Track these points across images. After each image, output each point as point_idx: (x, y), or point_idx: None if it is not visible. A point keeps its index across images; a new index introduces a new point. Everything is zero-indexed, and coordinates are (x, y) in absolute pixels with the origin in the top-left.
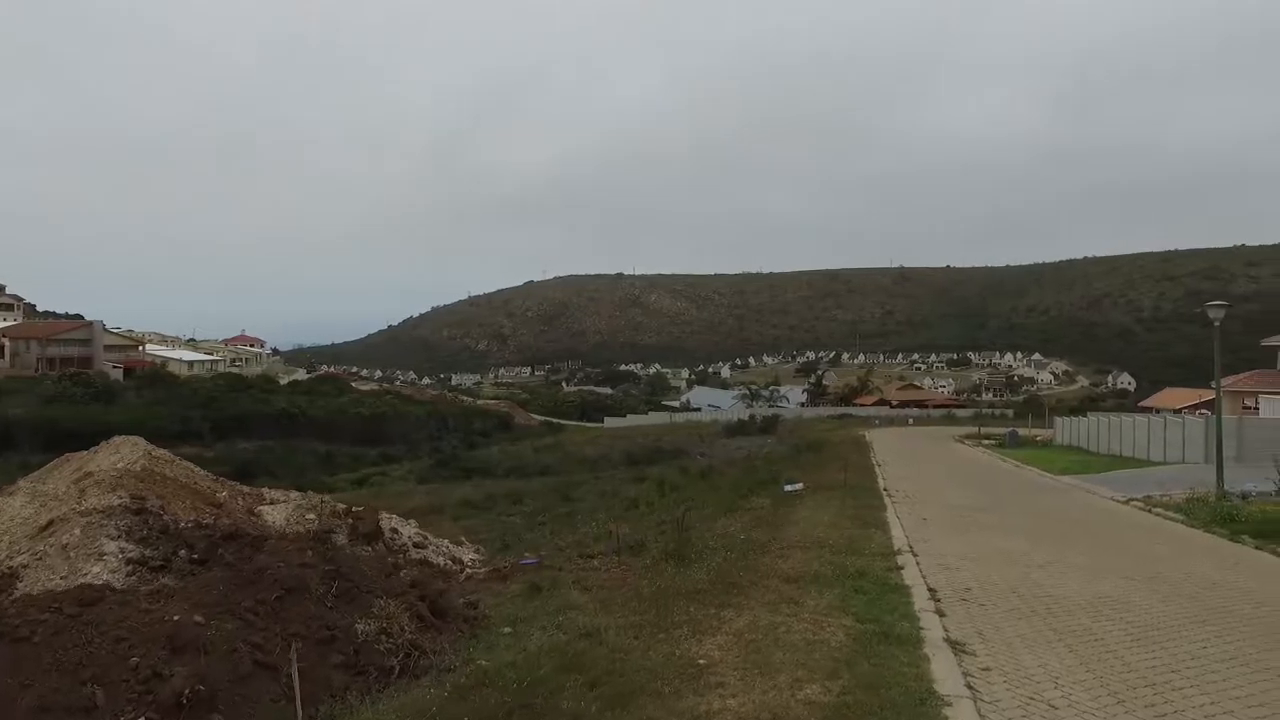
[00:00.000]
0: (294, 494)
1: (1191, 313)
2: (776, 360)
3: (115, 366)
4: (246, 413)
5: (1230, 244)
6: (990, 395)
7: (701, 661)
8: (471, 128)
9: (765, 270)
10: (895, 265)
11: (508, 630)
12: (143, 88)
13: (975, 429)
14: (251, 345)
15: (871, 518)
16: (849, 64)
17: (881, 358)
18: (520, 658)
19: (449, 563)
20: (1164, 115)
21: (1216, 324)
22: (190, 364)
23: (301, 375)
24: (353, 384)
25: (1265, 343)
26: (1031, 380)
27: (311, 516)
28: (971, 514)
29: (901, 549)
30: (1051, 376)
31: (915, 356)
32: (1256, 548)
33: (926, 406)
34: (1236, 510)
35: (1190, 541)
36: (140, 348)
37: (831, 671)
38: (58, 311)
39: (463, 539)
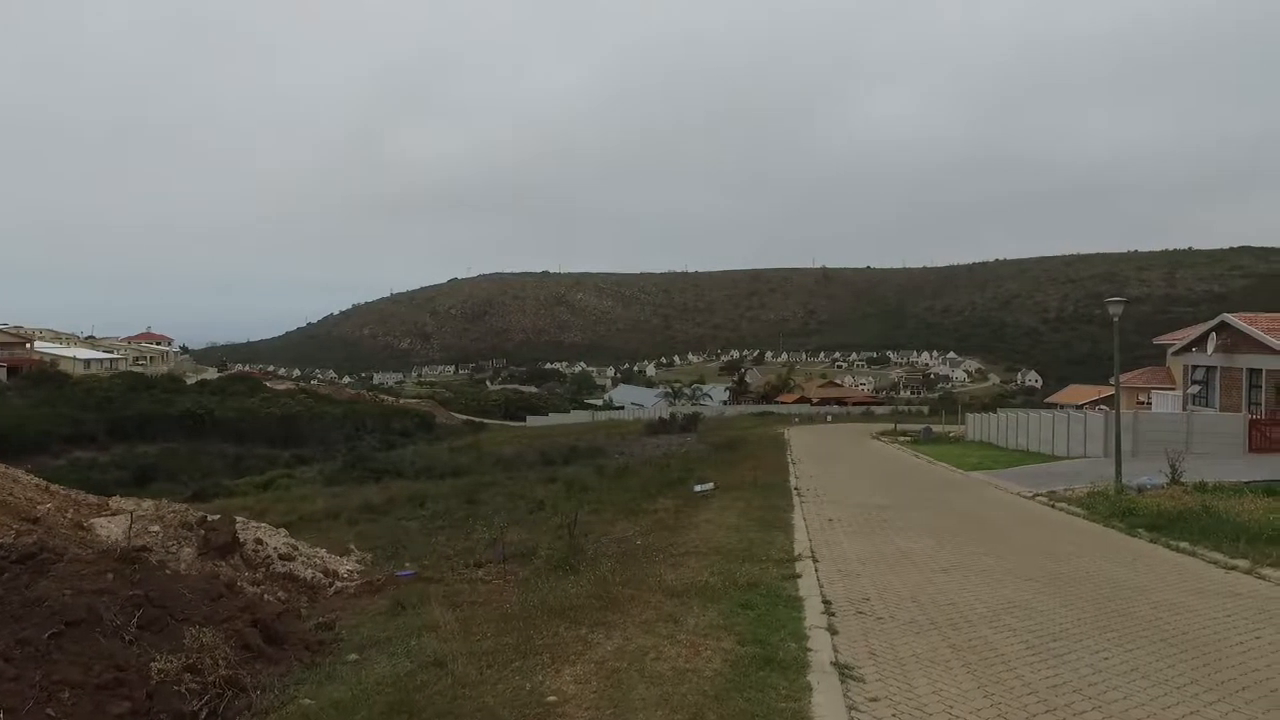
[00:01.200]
0: (146, 503)
1: (1091, 314)
2: (701, 359)
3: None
4: (147, 414)
5: (1125, 250)
6: (908, 392)
7: (551, 699)
8: (392, 117)
9: (691, 270)
10: (818, 266)
11: (353, 658)
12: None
13: (892, 426)
14: (158, 343)
15: (777, 519)
16: (777, 64)
17: (804, 356)
18: (351, 694)
19: (319, 576)
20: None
21: (1116, 319)
22: (87, 363)
23: (212, 374)
24: (267, 383)
25: (1158, 340)
26: (946, 378)
27: (156, 529)
28: (879, 512)
29: (802, 554)
30: (965, 374)
31: (837, 355)
32: (1151, 541)
33: (846, 404)
34: (1134, 504)
35: (1091, 537)
36: (28, 345)
37: (696, 712)
38: None
39: (352, 547)
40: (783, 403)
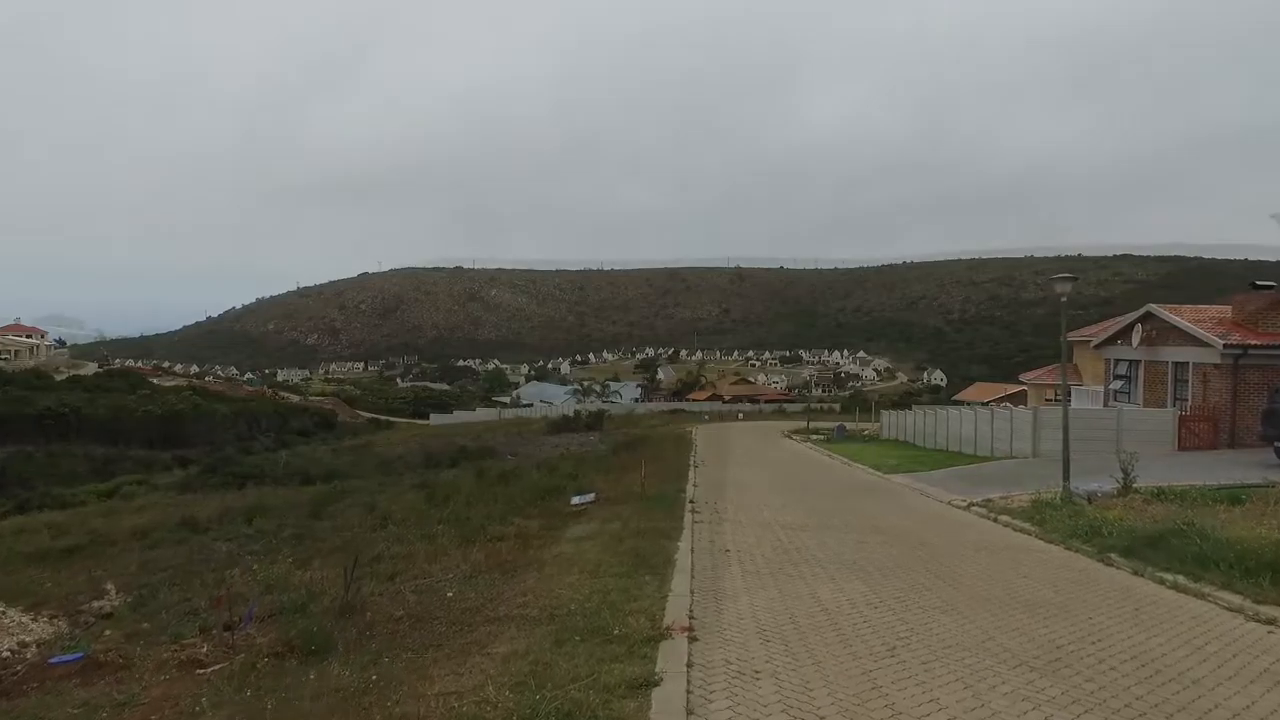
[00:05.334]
0: None
1: (992, 315)
2: (617, 356)
3: None
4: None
5: (1022, 254)
6: (820, 390)
7: None
8: (303, 94)
9: (607, 267)
10: (733, 265)
11: None
12: None
13: (805, 423)
14: (27, 336)
15: (656, 550)
16: (708, 59)
17: (719, 355)
18: None
19: None
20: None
21: (1064, 299)
22: None
23: (91, 369)
24: (154, 380)
25: (1075, 335)
26: (857, 376)
27: None
28: (791, 535)
29: (674, 624)
30: (874, 373)
31: (750, 353)
32: (1135, 573)
33: (758, 401)
34: (1094, 519)
35: (1060, 570)
36: None
37: None
38: None
39: (109, 587)
40: (695, 400)
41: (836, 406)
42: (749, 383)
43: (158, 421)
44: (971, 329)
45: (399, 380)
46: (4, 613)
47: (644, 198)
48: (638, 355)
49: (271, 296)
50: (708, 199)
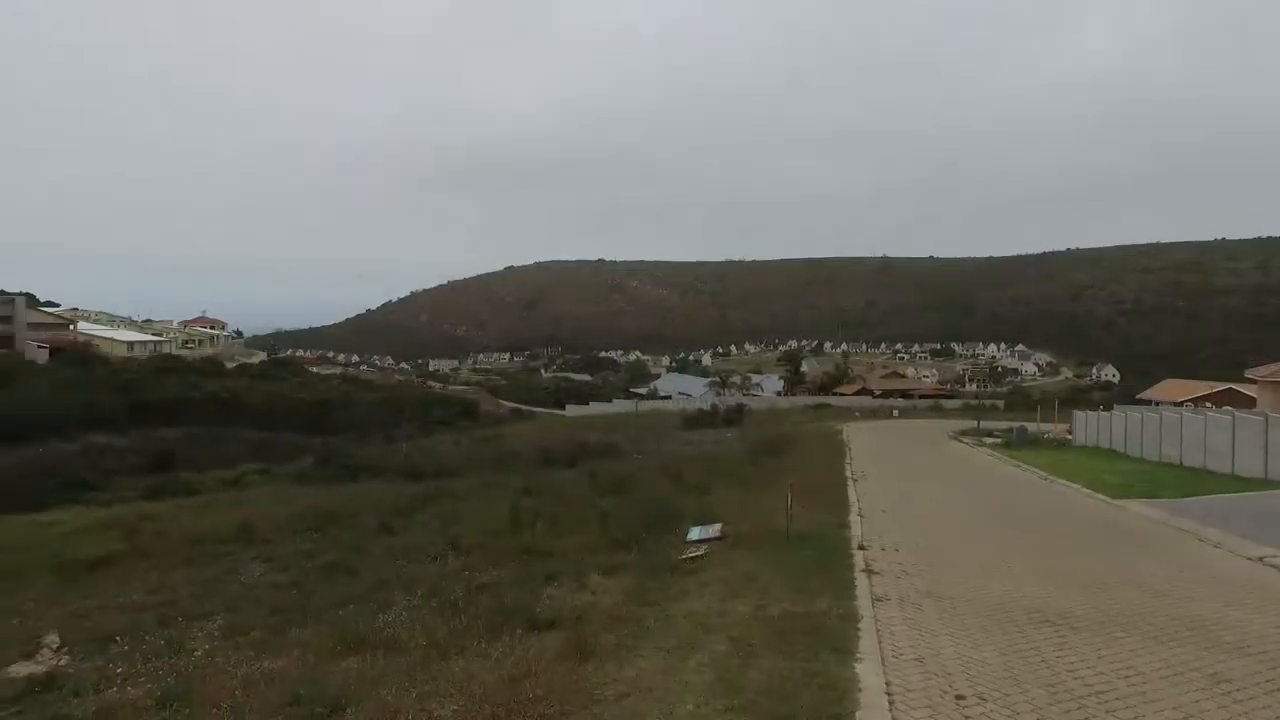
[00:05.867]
0: None
1: (1174, 305)
2: (759, 349)
3: (40, 346)
4: (172, 398)
5: (1211, 237)
6: (975, 386)
7: None
8: (462, 66)
9: (748, 258)
10: (879, 255)
11: None
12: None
13: (973, 423)
14: (211, 327)
15: (817, 697)
16: (880, 29)
17: (864, 347)
18: None
19: None
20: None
21: None
22: (129, 345)
23: (259, 359)
24: (315, 369)
25: None
26: (1015, 371)
27: None
28: (1052, 649)
29: None
30: (1035, 368)
31: (898, 346)
32: None
33: (912, 396)
34: None
35: None
36: (71, 326)
37: None
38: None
39: (53, 638)
40: (841, 394)
41: (1000, 404)
42: (901, 376)
43: (308, 408)
44: (1149, 320)
45: (542, 371)
46: None
47: (786, 189)
48: (780, 347)
49: (424, 290)
50: (855, 188)
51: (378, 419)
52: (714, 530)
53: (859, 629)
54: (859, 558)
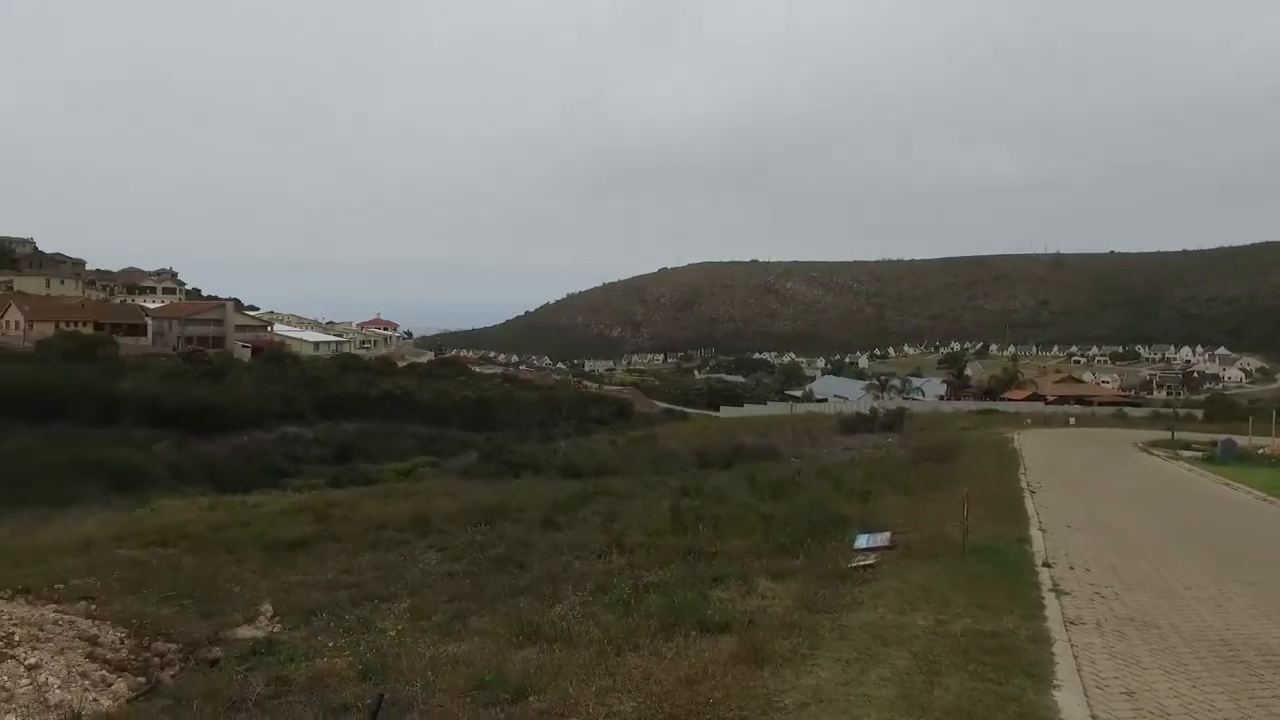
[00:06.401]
0: None
1: None
2: (918, 351)
3: (245, 346)
4: (350, 394)
5: None
6: (1165, 393)
7: None
8: (619, 69)
9: (906, 257)
10: (1050, 251)
11: None
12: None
13: (1167, 434)
14: (384, 328)
15: (1017, 711)
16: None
17: (1035, 350)
18: None
19: None
20: None
21: None
22: (316, 345)
23: (427, 358)
24: (476, 368)
25: None
26: (1215, 377)
27: None
28: None
29: None
30: (1242, 373)
31: (1074, 349)
32: None
33: (1090, 403)
34: None
35: None
36: (269, 328)
37: None
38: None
39: (266, 607)
40: (1010, 400)
41: (1198, 413)
42: (1077, 381)
43: (472, 406)
44: None
45: (696, 372)
46: (38, 664)
47: (947, 183)
48: (941, 349)
49: (580, 292)
50: (1023, 180)
51: (536, 417)
52: (883, 538)
53: (1053, 653)
54: (1044, 575)
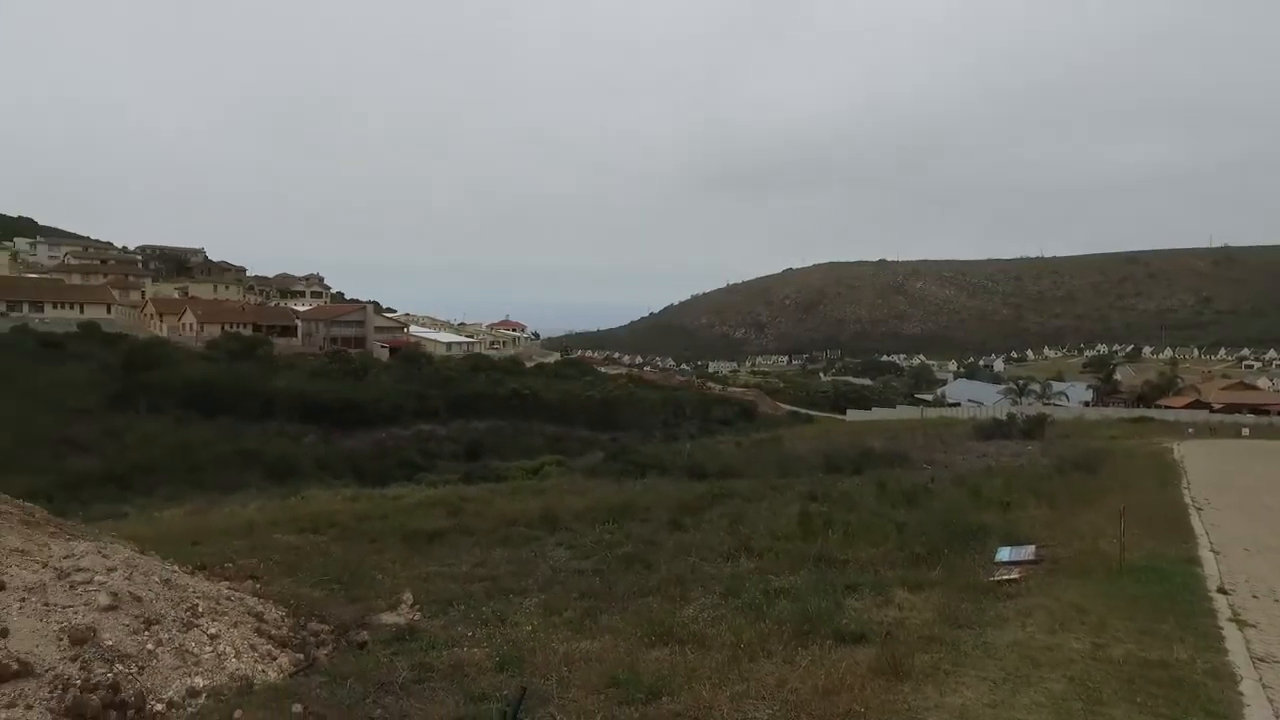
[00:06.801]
0: None
1: None
2: (1060, 353)
3: (383, 346)
4: (480, 393)
5: None
6: None
7: None
8: (737, 68)
9: (1047, 254)
10: (1216, 244)
11: None
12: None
13: None
14: (513, 330)
15: None
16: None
17: (1196, 352)
18: None
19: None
20: None
21: None
22: (448, 345)
23: (554, 359)
24: (601, 369)
25: None
26: None
27: None
28: None
29: None
30: None
31: (1245, 352)
32: None
33: (1267, 412)
34: None
35: None
36: (405, 329)
37: None
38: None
39: (407, 595)
40: (1168, 407)
41: None
42: (1250, 388)
43: (597, 406)
44: None
45: (821, 374)
46: (217, 635)
47: (1092, 175)
48: (1086, 352)
49: (704, 293)
50: (1182, 168)
51: (660, 418)
52: (1027, 552)
53: (1241, 693)
54: (1221, 603)
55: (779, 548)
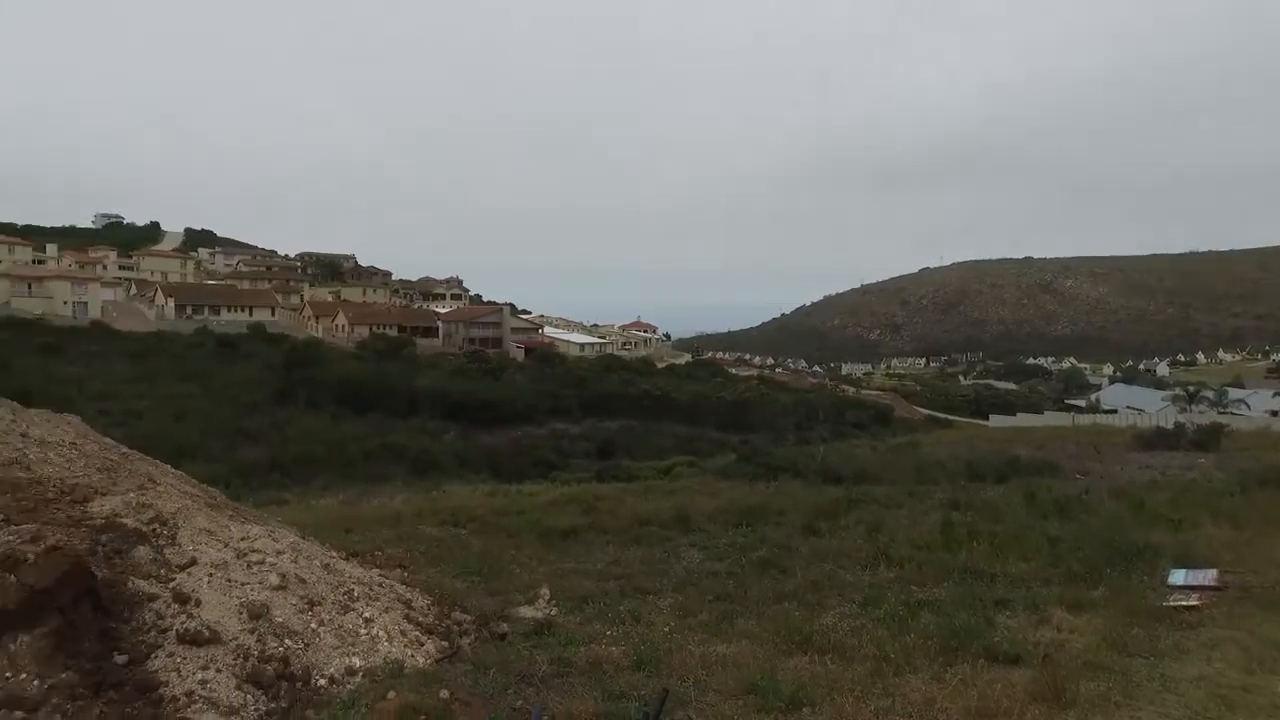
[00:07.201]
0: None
1: None
2: (1238, 357)
3: (519, 346)
4: (612, 393)
5: None
6: None
7: None
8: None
9: (1220, 248)
10: None
11: None
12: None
13: None
14: (644, 331)
15: None
16: None
17: None
18: None
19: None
20: None
21: None
22: (581, 346)
23: (685, 360)
24: (731, 370)
25: None
26: None
27: None
28: None
29: None
30: None
31: None
32: None
33: None
34: None
35: None
36: (540, 330)
37: None
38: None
39: (544, 591)
40: None
41: None
42: None
43: (729, 407)
44: None
45: (961, 377)
46: (371, 619)
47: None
48: (1272, 355)
49: (837, 294)
50: None
51: (792, 420)
52: (1207, 577)
53: None
54: None
55: (920, 557)
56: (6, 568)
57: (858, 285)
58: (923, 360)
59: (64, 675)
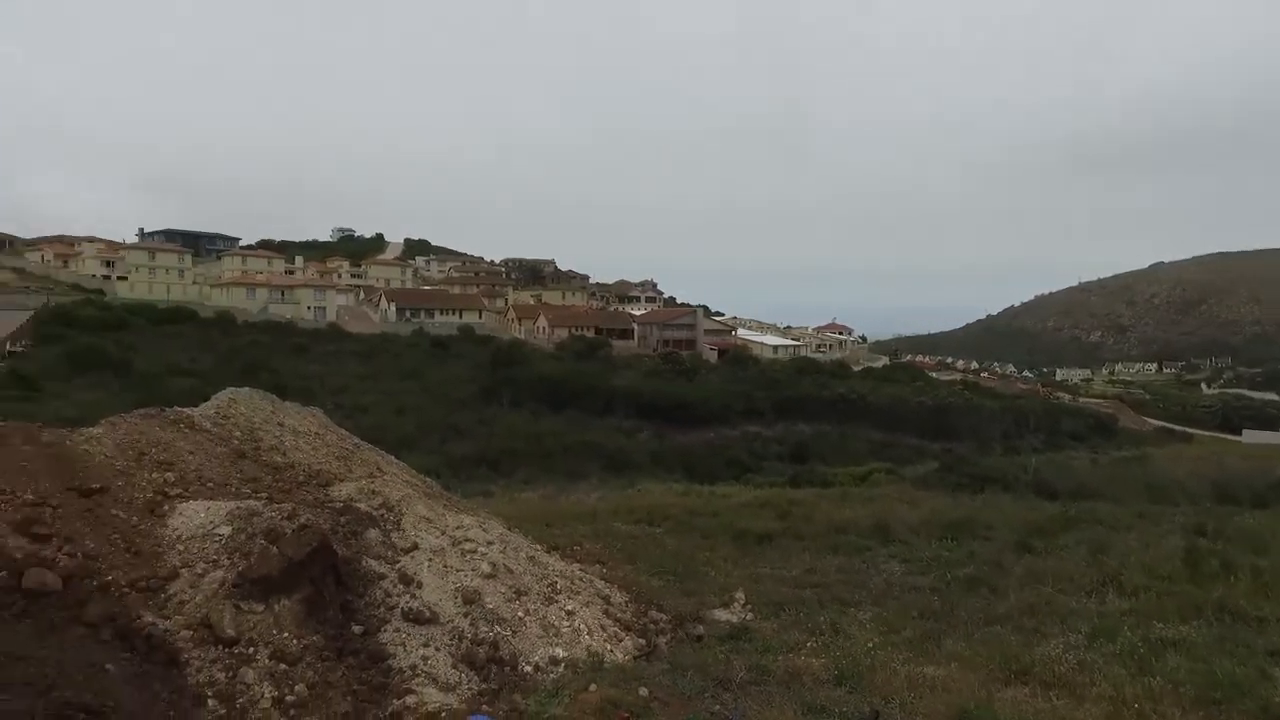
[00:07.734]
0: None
1: None
2: None
3: (712, 348)
4: (806, 396)
5: None
6: None
7: None
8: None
9: None
10: None
11: None
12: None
13: None
14: (839, 333)
15: None
16: None
17: None
18: None
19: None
20: None
21: None
22: (775, 348)
23: (882, 362)
24: (933, 374)
25: None
26: None
27: (226, 531)
28: None
29: None
30: None
31: None
32: None
33: None
34: None
35: None
36: (733, 332)
37: None
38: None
39: (739, 594)
40: None
41: None
42: None
43: (929, 412)
44: None
45: (1204, 386)
46: (573, 612)
47: None
48: None
49: (1050, 293)
50: None
51: (999, 428)
52: None
53: None
54: None
55: (1159, 588)
56: (270, 539)
57: (1075, 283)
58: (1154, 366)
59: (314, 638)
